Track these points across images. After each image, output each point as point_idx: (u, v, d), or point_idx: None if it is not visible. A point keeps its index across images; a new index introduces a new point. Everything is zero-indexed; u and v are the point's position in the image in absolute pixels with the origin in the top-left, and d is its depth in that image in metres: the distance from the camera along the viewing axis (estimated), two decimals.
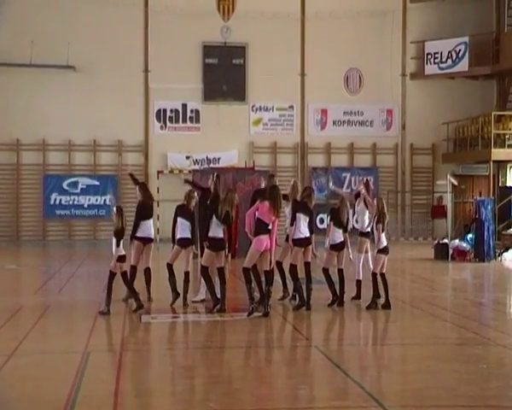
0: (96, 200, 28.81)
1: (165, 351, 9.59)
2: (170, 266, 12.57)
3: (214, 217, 11.85)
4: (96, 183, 28.83)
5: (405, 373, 8.46)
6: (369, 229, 13.02)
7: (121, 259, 11.78)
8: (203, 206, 12.97)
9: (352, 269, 13.34)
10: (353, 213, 14.03)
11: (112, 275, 11.76)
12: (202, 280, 12.50)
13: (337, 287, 12.55)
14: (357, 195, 13.56)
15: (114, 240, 11.71)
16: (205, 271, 11.99)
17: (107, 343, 9.80)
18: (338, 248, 12.58)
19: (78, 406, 6.91)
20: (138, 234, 12.66)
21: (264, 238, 11.49)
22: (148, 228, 12.82)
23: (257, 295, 11.61)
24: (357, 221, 13.70)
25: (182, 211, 12.69)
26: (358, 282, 13.12)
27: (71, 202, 28.73)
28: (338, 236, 12.58)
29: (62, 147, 28.73)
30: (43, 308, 12.25)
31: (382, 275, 12.29)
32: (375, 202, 12.65)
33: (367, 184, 13.43)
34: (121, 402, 7.07)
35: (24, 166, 28.66)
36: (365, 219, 13.16)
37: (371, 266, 12.83)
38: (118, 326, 10.84)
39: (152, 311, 12.15)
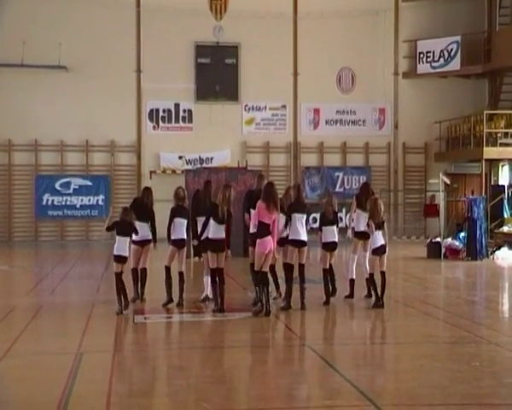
0: (89, 200, 28.74)
1: (158, 351, 9.59)
2: (168, 269, 12.57)
3: (212, 219, 11.77)
4: (89, 183, 28.77)
5: (398, 372, 8.47)
6: (362, 228, 13.05)
7: (117, 259, 11.75)
8: (195, 207, 13.01)
9: (346, 268, 13.38)
10: (350, 216, 14.16)
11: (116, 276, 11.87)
12: (206, 279, 12.63)
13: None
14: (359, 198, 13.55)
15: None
16: (213, 273, 11.94)
17: (100, 344, 9.77)
18: (331, 247, 12.59)
19: (71, 407, 6.89)
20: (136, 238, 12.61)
21: (267, 239, 11.47)
22: (145, 230, 12.82)
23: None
24: (352, 220, 13.75)
25: (177, 211, 12.66)
26: (352, 281, 13.16)
27: (63, 203, 28.65)
28: (330, 235, 12.58)
29: (54, 147, 28.65)
30: (36, 309, 12.22)
31: (382, 273, 12.28)
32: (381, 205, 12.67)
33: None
34: (114, 403, 7.05)
35: (16, 167, 28.58)
36: (361, 222, 13.16)
37: (367, 266, 12.87)
38: (111, 327, 10.82)
39: (145, 311, 12.13)
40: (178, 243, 12.59)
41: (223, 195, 11.84)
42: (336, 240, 12.65)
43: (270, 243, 11.47)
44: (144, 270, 12.92)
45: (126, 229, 11.83)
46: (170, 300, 12.42)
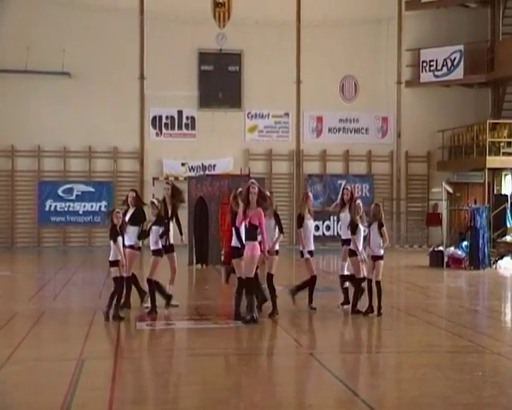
0: (92, 206, 28.77)
1: (160, 358, 9.56)
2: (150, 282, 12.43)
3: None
4: (92, 189, 28.80)
5: (400, 381, 8.45)
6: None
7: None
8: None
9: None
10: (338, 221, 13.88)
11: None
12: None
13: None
14: (343, 204, 13.13)
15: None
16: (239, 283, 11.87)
17: (101, 350, 9.76)
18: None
19: None
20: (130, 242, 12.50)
21: (249, 245, 11.44)
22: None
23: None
24: (340, 228, 13.58)
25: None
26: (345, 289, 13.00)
27: (66, 209, 28.68)
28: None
29: (57, 153, 28.69)
30: (38, 315, 12.21)
31: (377, 283, 12.25)
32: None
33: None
34: None
35: (19, 173, 28.61)
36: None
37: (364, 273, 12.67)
38: (113, 333, 10.82)
39: (147, 318, 12.11)
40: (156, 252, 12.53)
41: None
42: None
43: (249, 247, 11.38)
44: (133, 276, 12.73)
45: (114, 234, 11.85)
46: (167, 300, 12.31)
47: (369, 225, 12.27)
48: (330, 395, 7.74)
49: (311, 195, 13.16)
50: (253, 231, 11.37)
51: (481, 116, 29.83)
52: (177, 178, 28.26)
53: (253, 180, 12.21)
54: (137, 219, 12.57)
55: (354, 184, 29.85)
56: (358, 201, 12.58)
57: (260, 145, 29.87)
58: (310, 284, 12.68)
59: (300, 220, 12.70)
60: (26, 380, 8.14)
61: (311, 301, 12.71)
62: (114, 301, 11.68)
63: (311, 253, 12.65)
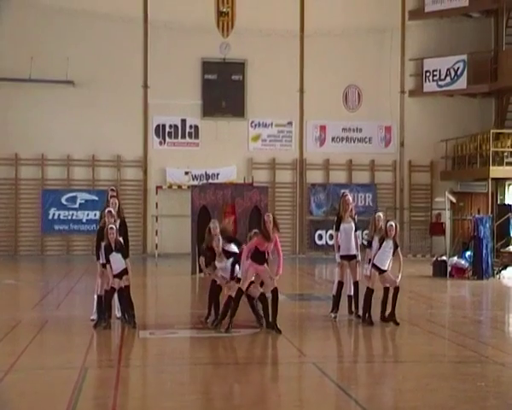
0: (95, 215, 28.64)
1: (163, 367, 9.56)
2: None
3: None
4: (95, 198, 28.78)
5: (403, 391, 8.43)
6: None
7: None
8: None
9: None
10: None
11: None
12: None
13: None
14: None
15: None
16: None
17: (104, 359, 9.76)
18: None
19: None
20: None
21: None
22: None
23: None
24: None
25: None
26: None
27: (69, 217, 28.71)
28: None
29: (61, 162, 28.74)
30: (41, 324, 12.22)
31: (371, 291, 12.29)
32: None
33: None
34: None
35: (23, 181, 28.65)
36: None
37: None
38: (115, 342, 10.82)
39: (149, 327, 12.11)
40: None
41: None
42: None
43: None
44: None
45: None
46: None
47: (381, 241, 12.18)
48: (332, 404, 7.73)
49: (349, 197, 12.77)
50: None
51: (485, 126, 29.84)
52: (180, 187, 28.36)
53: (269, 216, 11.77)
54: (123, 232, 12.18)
55: (357, 193, 29.90)
56: (391, 222, 12.24)
57: (263, 154, 29.90)
58: (338, 291, 12.56)
59: (338, 223, 12.58)
60: (29, 388, 8.15)
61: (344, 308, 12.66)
62: (130, 311, 11.79)
63: (346, 257, 12.52)
